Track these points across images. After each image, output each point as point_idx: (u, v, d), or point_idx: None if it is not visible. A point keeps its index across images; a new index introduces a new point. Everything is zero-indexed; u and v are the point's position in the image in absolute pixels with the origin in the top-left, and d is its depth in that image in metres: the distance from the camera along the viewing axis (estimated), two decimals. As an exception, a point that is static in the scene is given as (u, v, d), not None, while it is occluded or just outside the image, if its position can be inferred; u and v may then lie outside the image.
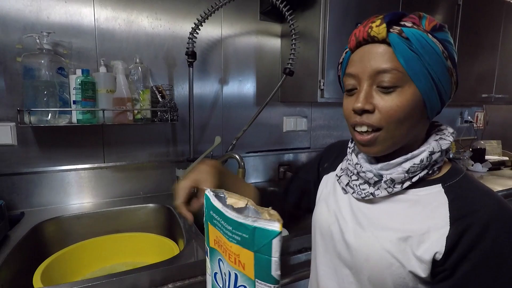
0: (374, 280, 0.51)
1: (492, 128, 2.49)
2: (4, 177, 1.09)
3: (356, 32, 0.51)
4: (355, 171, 0.56)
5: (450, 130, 0.54)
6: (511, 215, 0.44)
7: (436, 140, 0.51)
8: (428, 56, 0.46)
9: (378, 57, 0.48)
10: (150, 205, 1.21)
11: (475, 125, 2.39)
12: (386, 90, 0.48)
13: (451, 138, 0.51)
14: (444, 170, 0.52)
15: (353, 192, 0.56)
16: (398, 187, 0.51)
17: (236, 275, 0.41)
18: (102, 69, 1.12)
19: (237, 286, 0.41)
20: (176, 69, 1.32)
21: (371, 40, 0.48)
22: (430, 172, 0.51)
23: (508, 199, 1.48)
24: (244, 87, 1.49)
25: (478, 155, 1.98)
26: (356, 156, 0.58)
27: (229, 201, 0.43)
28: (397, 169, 0.51)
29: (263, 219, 0.37)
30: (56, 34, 1.09)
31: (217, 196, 0.45)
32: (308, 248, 0.93)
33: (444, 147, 0.50)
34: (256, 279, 0.38)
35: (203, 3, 1.31)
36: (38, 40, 1.01)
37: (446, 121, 2.25)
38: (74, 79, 1.06)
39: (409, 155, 0.50)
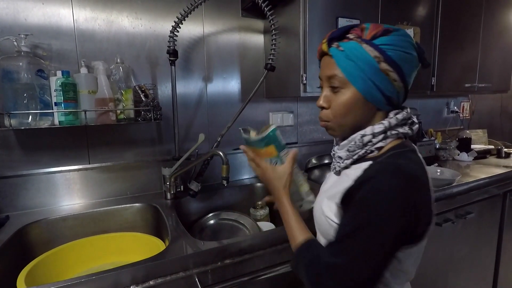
0: (324, 236, 0.68)
1: (478, 117, 2.53)
2: (-13, 181, 1.09)
3: (319, 46, 0.66)
4: (332, 153, 0.73)
5: (391, 115, 0.63)
6: (387, 181, 0.55)
7: (373, 125, 0.63)
8: (361, 62, 0.58)
9: (327, 66, 0.63)
10: (137, 204, 1.21)
11: (461, 115, 2.42)
12: (334, 90, 0.63)
13: (386, 123, 0.62)
14: (385, 149, 0.63)
15: (333, 170, 0.71)
16: (346, 162, 0.65)
17: (271, 160, 0.77)
18: (83, 70, 1.11)
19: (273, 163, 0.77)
20: (159, 68, 1.32)
21: (324, 53, 0.64)
22: (369, 151, 0.63)
23: (492, 186, 1.51)
24: (228, 84, 1.49)
25: (464, 145, 2.01)
26: (336, 143, 0.74)
27: (251, 134, 0.79)
28: (344, 149, 0.66)
29: (265, 131, 0.74)
30: (35, 36, 1.08)
31: (245, 132, 0.81)
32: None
33: (376, 131, 0.62)
34: (278, 153, 0.76)
35: (183, 1, 1.30)
36: (15, 43, 1.00)
37: (433, 112, 2.29)
38: (55, 81, 1.06)
39: (350, 138, 0.65)
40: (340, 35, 0.61)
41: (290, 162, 0.76)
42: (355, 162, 0.65)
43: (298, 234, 0.67)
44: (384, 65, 0.58)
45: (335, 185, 0.67)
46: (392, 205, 0.53)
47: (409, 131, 0.63)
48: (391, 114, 0.63)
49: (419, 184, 0.56)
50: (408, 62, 0.59)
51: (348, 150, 0.65)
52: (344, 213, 0.61)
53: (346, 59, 0.59)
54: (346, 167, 0.66)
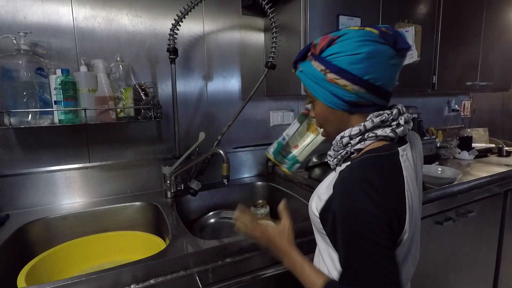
0: (315, 227, 0.70)
1: (479, 116, 2.52)
2: (-13, 180, 1.08)
3: None
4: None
5: (368, 118, 0.64)
6: (349, 189, 0.58)
7: (352, 127, 0.65)
8: (314, 77, 0.64)
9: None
10: (137, 203, 1.21)
11: (462, 114, 2.41)
12: (312, 103, 0.70)
13: (362, 126, 0.63)
14: (363, 151, 0.64)
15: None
16: (334, 161, 0.69)
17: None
18: (83, 68, 1.11)
19: None
20: (159, 66, 1.32)
21: None
22: (349, 152, 0.65)
23: (493, 185, 1.51)
24: (229, 82, 1.49)
25: (465, 143, 2.00)
26: None
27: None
28: (332, 147, 0.70)
29: None
30: (34, 34, 1.08)
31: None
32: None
33: (352, 133, 0.64)
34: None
35: (183, -1, 1.30)
36: (15, 41, 1.00)
37: (434, 110, 2.28)
38: (54, 79, 1.06)
39: (335, 138, 0.69)
40: (302, 56, 0.68)
41: (285, 214, 0.77)
42: (345, 160, 0.67)
43: (316, 280, 0.65)
44: (330, 75, 0.62)
45: (322, 184, 0.71)
46: (359, 220, 0.55)
47: (391, 134, 0.62)
48: (369, 117, 0.64)
49: (375, 192, 0.55)
50: (360, 62, 0.59)
51: (333, 149, 0.70)
52: (331, 229, 0.62)
53: (306, 78, 0.66)
54: (338, 164, 0.69)
